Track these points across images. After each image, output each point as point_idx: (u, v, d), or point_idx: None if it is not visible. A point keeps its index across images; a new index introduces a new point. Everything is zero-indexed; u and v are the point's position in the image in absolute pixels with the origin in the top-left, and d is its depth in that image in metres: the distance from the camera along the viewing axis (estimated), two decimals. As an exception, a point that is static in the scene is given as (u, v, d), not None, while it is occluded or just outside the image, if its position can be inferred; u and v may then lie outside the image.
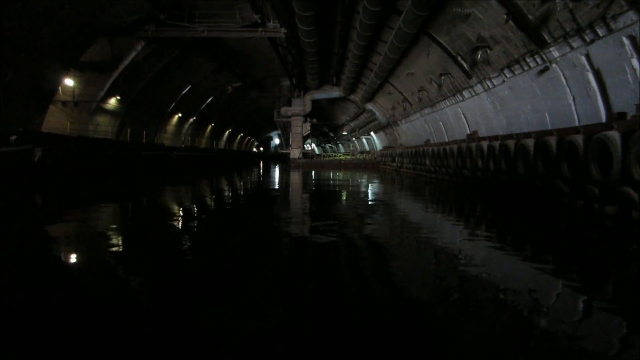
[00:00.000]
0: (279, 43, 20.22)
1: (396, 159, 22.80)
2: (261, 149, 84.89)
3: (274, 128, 36.53)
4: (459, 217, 7.20)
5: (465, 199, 10.39)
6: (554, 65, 9.66)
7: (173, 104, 24.05)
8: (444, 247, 4.59)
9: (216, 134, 37.44)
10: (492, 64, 12.26)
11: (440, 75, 16.05)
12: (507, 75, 11.91)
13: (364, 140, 41.39)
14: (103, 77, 16.99)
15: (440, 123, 20.26)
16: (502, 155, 10.42)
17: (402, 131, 27.57)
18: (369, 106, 29.40)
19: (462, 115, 17.15)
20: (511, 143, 9.96)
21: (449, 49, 14.05)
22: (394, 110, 26.11)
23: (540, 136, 8.82)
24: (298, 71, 27.38)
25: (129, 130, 20.60)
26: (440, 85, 17.42)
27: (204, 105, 28.66)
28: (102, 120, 18.64)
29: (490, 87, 13.23)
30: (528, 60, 10.58)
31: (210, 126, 34.11)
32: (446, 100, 17.83)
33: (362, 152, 38.59)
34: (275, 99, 33.11)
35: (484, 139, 12.19)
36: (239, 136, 50.22)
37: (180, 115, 26.32)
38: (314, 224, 5.96)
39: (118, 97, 18.72)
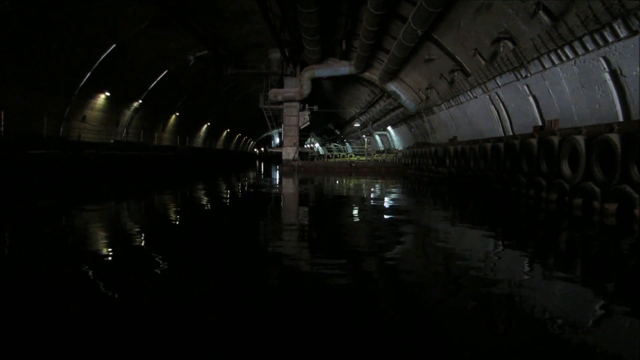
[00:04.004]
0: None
1: (447, 161, 13.91)
2: (262, 149, 78.70)
3: (276, 124, 27.75)
4: None
5: None
6: None
7: (88, 74, 15.12)
8: None
9: (187, 128, 28.51)
10: None
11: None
12: None
13: (377, 137, 33.03)
14: None
15: (530, 99, 11.55)
16: None
17: (439, 122, 18.97)
18: (392, 86, 20.80)
19: (607, 74, 8.45)
20: None
21: None
22: (430, 90, 17.49)
23: None
24: (291, 35, 18.92)
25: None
26: (557, 17, 8.79)
27: (154, 83, 19.80)
28: None
29: None
30: None
31: (173, 116, 25.22)
32: (566, 48, 9.22)
33: (377, 152, 30.13)
34: (262, 77, 24.44)
35: None
36: (225, 133, 41.39)
37: (108, 94, 17.30)
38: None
39: None
